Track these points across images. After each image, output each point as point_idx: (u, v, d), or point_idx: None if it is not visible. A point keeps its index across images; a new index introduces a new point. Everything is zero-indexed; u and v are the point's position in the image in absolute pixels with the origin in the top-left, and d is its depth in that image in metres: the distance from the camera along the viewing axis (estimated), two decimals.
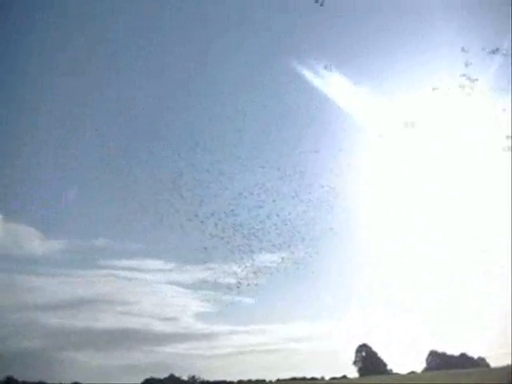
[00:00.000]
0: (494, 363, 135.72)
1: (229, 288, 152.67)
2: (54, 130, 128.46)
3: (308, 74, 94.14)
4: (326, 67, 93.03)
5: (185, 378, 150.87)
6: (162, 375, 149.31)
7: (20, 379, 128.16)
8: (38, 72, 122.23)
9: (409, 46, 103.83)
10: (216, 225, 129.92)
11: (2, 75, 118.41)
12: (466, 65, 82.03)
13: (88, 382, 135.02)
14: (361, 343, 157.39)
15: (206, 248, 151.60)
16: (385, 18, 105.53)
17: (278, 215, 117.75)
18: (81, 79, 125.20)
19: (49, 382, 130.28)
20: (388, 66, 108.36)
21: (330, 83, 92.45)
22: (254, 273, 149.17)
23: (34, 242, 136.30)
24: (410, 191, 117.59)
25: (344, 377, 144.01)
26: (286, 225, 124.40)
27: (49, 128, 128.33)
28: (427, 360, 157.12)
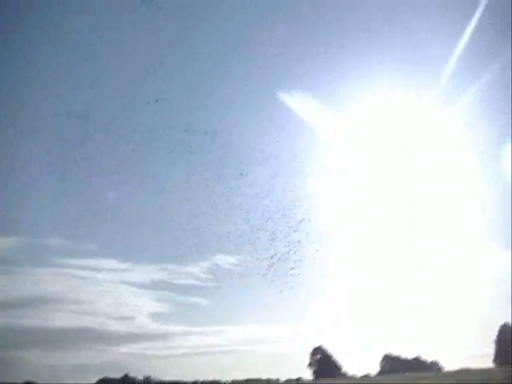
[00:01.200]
0: (447, 367, 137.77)
1: (184, 288, 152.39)
2: (13, 126, 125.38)
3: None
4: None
5: (140, 377, 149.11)
6: (117, 375, 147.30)
7: None
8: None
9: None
10: (174, 225, 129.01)
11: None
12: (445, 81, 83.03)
13: (41, 381, 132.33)
14: (315, 346, 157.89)
15: (162, 248, 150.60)
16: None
17: (237, 217, 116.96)
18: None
19: (1, 381, 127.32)
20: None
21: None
22: (211, 274, 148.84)
23: None
24: (380, 201, 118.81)
25: (299, 379, 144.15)
26: (245, 226, 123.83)
27: (7, 123, 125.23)
28: (381, 363, 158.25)
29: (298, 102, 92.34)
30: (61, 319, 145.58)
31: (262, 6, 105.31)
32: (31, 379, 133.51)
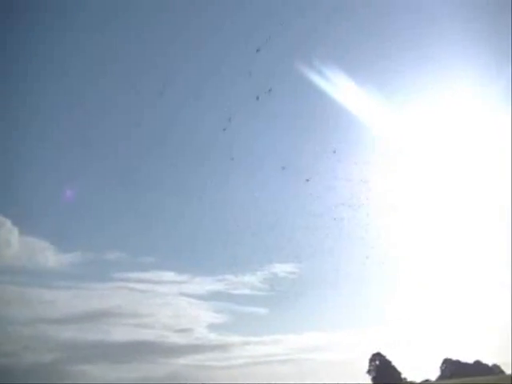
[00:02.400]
0: (508, 370, 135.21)
1: (242, 298, 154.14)
2: (65, 143, 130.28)
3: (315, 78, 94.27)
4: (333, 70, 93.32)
5: None
6: None
7: None
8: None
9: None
10: (229, 236, 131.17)
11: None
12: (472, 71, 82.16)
13: None
14: (374, 352, 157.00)
15: (219, 259, 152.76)
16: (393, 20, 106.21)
17: (292, 226, 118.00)
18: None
19: None
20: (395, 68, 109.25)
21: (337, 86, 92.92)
22: (268, 283, 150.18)
23: (48, 256, 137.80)
24: (418, 194, 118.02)
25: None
26: (300, 235, 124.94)
27: (61, 142, 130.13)
28: (441, 368, 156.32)
29: (352, 98, 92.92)
30: (122, 333, 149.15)
31: None
32: None
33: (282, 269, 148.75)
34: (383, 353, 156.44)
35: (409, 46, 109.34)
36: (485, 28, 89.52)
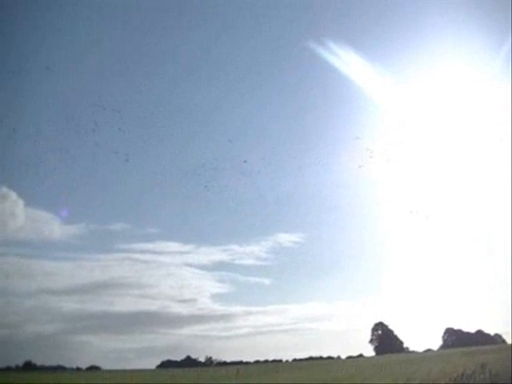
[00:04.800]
0: (510, 340, 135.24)
1: (246, 269, 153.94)
2: (71, 118, 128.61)
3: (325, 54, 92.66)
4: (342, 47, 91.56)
5: (201, 359, 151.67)
6: (179, 357, 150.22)
7: (38, 363, 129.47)
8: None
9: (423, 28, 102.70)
10: (234, 207, 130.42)
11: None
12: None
13: (105, 365, 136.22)
14: (377, 322, 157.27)
15: (224, 229, 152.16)
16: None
17: (298, 196, 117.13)
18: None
19: (67, 365, 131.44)
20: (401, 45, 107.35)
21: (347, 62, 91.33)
22: (273, 253, 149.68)
23: (52, 227, 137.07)
24: (422, 178, 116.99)
25: (360, 356, 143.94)
26: (305, 206, 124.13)
27: (66, 116, 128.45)
28: (443, 337, 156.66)
29: (357, 71, 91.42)
30: (125, 304, 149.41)
31: None
32: (96, 363, 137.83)
33: (286, 238, 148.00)
34: (386, 322, 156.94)
35: (411, 17, 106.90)
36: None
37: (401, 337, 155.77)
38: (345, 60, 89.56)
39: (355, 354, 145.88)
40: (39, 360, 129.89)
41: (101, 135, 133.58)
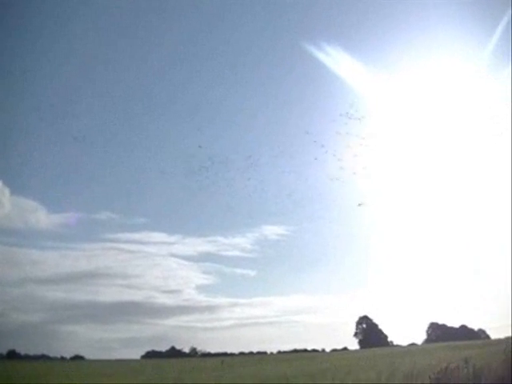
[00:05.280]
0: (494, 335, 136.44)
1: (231, 260, 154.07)
2: (56, 105, 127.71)
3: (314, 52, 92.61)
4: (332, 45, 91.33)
5: (186, 350, 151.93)
6: (164, 348, 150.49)
7: (22, 352, 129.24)
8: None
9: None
10: (221, 198, 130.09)
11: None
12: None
13: (89, 354, 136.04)
14: (361, 315, 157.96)
15: (210, 220, 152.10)
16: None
17: (284, 188, 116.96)
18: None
19: (51, 355, 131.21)
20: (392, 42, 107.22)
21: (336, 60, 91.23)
22: (258, 245, 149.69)
23: (38, 216, 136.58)
24: (413, 172, 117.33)
25: (345, 349, 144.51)
26: (291, 198, 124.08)
27: (50, 103, 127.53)
28: (427, 332, 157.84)
29: (343, 65, 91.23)
30: (110, 293, 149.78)
31: None
32: (80, 353, 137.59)
33: (272, 231, 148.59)
34: (370, 316, 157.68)
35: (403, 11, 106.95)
36: None
37: (385, 331, 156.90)
38: (338, 59, 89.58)
39: (340, 347, 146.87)
40: (23, 349, 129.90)
41: (89, 125, 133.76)
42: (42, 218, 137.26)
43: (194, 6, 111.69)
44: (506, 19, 71.65)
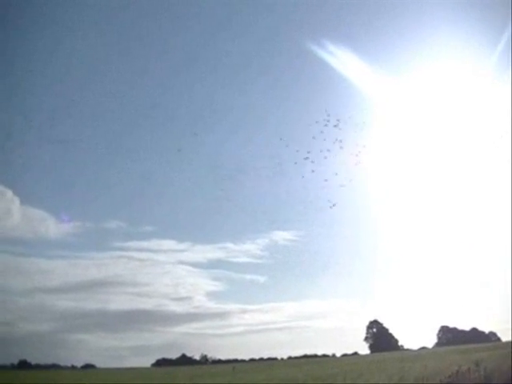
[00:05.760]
0: (504, 337, 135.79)
1: (241, 266, 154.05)
2: (66, 117, 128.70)
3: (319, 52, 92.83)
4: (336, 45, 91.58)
5: (196, 357, 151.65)
6: (174, 355, 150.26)
7: (33, 362, 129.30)
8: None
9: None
10: (230, 205, 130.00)
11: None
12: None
13: (100, 363, 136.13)
14: (372, 320, 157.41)
15: (220, 227, 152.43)
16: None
17: (293, 194, 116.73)
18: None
19: (62, 364, 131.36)
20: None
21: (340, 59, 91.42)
22: (268, 251, 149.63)
23: (48, 225, 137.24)
24: (416, 174, 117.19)
25: (355, 353, 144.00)
26: (301, 204, 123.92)
27: (61, 114, 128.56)
28: (438, 335, 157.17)
29: (350, 67, 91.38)
30: (120, 302, 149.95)
31: None
32: (91, 361, 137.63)
33: (282, 236, 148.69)
34: (380, 320, 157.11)
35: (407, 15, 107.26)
36: None
37: (396, 335, 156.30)
38: (344, 60, 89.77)
39: (350, 351, 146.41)
40: (34, 359, 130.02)
41: (97, 136, 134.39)
42: (51, 227, 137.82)
43: (198, 8, 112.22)
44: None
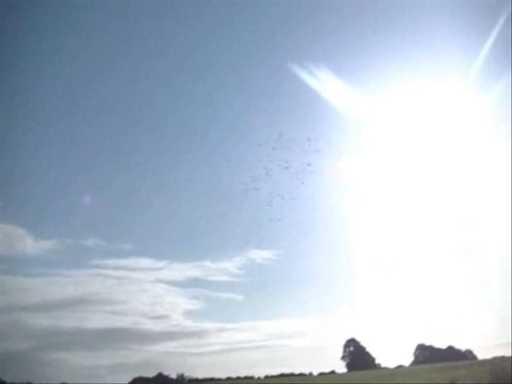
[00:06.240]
0: (481, 355, 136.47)
1: (219, 285, 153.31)
2: (45, 131, 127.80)
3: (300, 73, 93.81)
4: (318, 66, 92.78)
5: (173, 376, 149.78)
6: (151, 374, 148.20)
7: (8, 381, 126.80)
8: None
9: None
10: (207, 223, 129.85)
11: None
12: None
13: (76, 382, 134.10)
14: (349, 338, 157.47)
15: (197, 245, 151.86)
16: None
17: (269, 213, 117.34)
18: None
19: (36, 383, 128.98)
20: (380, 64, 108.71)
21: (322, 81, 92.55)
22: (245, 269, 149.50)
23: (25, 243, 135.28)
24: (402, 187, 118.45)
25: (332, 372, 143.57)
26: (278, 222, 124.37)
27: (40, 130, 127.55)
28: (415, 353, 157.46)
29: (322, 82, 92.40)
30: (97, 320, 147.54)
31: None
32: (67, 380, 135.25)
33: (259, 255, 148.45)
34: (357, 339, 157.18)
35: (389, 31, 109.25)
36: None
37: (373, 353, 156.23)
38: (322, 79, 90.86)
39: (327, 370, 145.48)
40: (10, 377, 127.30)
41: (75, 149, 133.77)
42: (28, 244, 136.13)
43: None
44: (493, 35, 73.36)
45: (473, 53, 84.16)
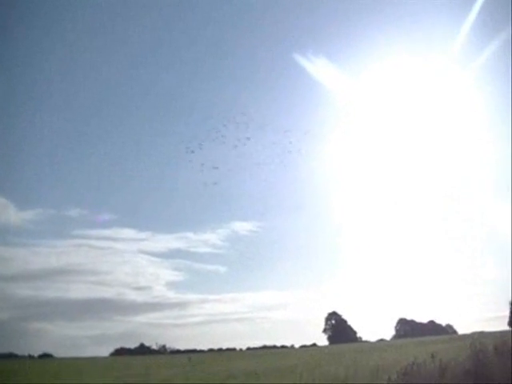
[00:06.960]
0: (461, 330, 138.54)
1: (202, 257, 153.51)
2: (31, 102, 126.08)
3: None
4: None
5: (155, 347, 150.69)
6: (133, 345, 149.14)
7: None
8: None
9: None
10: (190, 194, 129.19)
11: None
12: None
13: (58, 352, 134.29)
14: (330, 311, 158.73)
15: (181, 216, 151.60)
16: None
17: (254, 184, 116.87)
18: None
19: (18, 353, 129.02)
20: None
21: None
22: (228, 241, 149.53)
23: (7, 213, 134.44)
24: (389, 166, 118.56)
25: (314, 345, 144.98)
26: (261, 195, 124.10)
27: (23, 102, 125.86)
28: (396, 328, 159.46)
29: (315, 66, 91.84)
30: (80, 290, 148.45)
31: None
32: (49, 351, 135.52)
33: (242, 227, 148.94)
34: (339, 312, 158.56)
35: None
36: None
37: (354, 327, 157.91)
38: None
39: (309, 343, 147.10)
40: None
41: (57, 122, 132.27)
42: (11, 214, 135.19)
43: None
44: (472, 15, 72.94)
45: (457, 26, 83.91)
